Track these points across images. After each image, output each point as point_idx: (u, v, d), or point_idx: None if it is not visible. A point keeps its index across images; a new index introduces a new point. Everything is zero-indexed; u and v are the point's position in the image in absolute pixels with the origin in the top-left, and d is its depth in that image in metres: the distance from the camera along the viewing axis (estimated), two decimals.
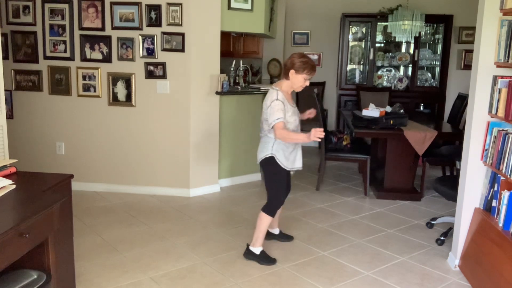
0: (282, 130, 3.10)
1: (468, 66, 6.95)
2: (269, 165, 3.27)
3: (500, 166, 2.81)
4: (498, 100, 2.87)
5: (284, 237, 3.72)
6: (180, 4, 4.49)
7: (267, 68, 7.47)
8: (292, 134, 3.13)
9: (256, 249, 3.36)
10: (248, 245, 3.41)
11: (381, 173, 5.11)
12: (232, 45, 7.25)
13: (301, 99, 7.26)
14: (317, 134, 2.98)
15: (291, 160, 3.29)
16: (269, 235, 3.63)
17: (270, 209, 3.32)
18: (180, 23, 4.52)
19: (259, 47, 7.32)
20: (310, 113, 3.54)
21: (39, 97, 4.84)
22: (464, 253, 3.25)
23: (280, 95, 3.17)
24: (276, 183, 3.30)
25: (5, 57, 4.72)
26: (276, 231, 3.72)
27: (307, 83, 3.25)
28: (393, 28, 5.99)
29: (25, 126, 4.90)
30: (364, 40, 7.23)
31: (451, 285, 3.09)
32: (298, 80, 3.19)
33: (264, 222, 3.31)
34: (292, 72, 3.17)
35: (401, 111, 5.10)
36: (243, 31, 5.43)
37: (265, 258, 3.34)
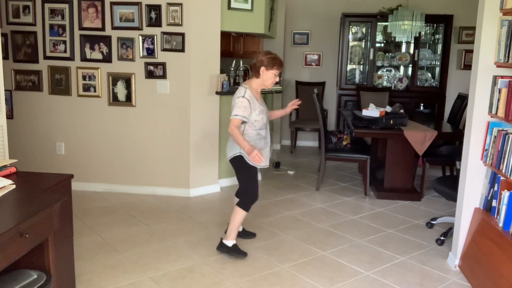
0: (235, 128, 3.23)
1: (468, 66, 6.94)
2: (239, 163, 3.38)
3: (500, 166, 2.81)
4: (498, 100, 2.87)
5: (246, 234, 3.76)
6: (180, 4, 4.49)
7: None
8: (240, 137, 3.21)
9: (229, 242, 3.45)
10: (221, 239, 3.50)
11: (381, 173, 5.11)
12: (232, 45, 7.25)
13: (302, 99, 7.25)
14: (255, 158, 3.16)
15: None
16: None
17: (245, 204, 3.42)
18: (180, 23, 4.52)
19: (259, 47, 7.31)
20: (293, 103, 3.60)
21: (39, 97, 4.84)
22: (464, 253, 3.25)
23: (248, 93, 3.28)
24: (248, 179, 3.40)
25: (5, 57, 4.72)
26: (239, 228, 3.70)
27: (277, 79, 3.39)
28: (393, 28, 5.98)
29: (25, 126, 4.90)
30: (364, 40, 7.23)
31: (451, 285, 3.09)
32: (268, 77, 3.33)
33: (239, 217, 3.43)
34: (262, 69, 3.31)
35: (401, 111, 5.11)
36: (243, 31, 5.43)
37: (236, 250, 3.43)
